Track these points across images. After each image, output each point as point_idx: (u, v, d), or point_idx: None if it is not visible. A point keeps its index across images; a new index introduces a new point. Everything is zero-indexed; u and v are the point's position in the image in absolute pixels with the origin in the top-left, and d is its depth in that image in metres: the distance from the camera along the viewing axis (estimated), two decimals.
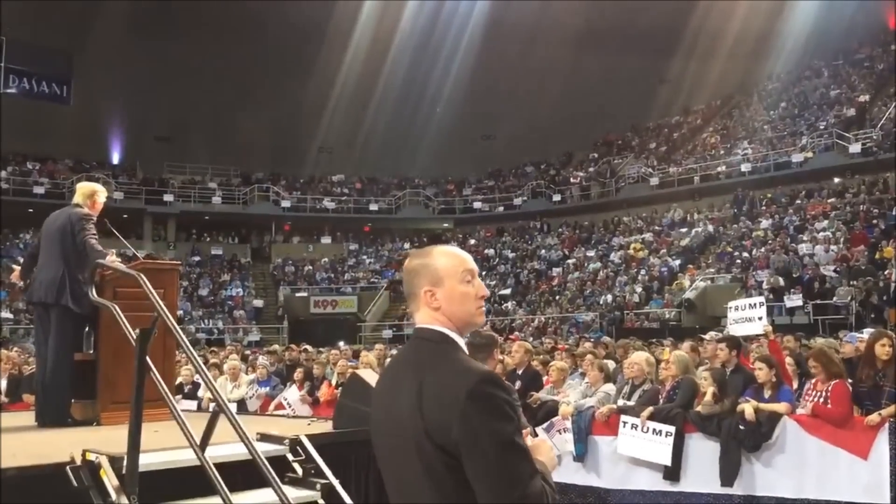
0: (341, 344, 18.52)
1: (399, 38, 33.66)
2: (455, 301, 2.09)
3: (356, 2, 32.50)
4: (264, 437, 4.21)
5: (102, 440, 3.87)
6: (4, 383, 9.77)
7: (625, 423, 7.19)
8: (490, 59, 33.62)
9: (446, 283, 2.08)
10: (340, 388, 7.36)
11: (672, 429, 6.84)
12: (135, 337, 3.51)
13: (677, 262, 25.17)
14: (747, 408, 6.55)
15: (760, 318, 7.94)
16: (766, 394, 6.72)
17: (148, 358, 3.51)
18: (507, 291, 28.45)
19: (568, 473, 7.50)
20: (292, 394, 9.39)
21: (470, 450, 1.85)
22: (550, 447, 2.09)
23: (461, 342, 2.09)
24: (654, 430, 6.94)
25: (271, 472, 3.12)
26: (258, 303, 30.79)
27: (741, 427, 6.58)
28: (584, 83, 33.93)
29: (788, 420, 6.53)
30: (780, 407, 6.57)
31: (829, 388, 6.44)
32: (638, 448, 7.07)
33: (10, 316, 25.16)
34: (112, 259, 5.51)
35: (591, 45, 32.95)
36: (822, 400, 6.45)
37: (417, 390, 1.95)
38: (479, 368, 1.95)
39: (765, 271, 21.46)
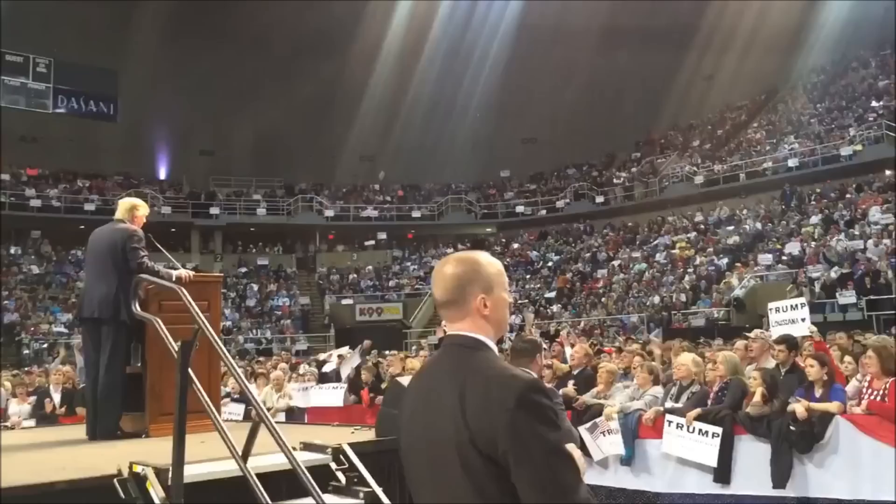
0: (387, 352, 18.52)
1: (432, 42, 33.78)
2: (500, 309, 2.10)
3: (390, 1, 32.70)
4: (307, 447, 4.24)
5: (150, 452, 3.93)
6: (58, 397, 10.02)
7: (670, 422, 7.11)
8: (526, 61, 33.52)
9: (496, 291, 2.09)
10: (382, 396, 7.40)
11: (718, 430, 6.74)
12: (177, 350, 3.57)
13: (724, 260, 24.77)
14: (798, 407, 6.42)
15: (804, 320, 7.80)
16: (818, 392, 6.57)
17: (190, 370, 3.56)
18: (553, 294, 28.29)
19: (616, 477, 7.43)
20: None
21: (519, 458, 1.83)
22: (580, 454, 2.08)
23: (495, 348, 2.09)
24: (700, 430, 6.85)
25: (311, 481, 3.14)
26: (304, 300, 31.22)
27: (792, 428, 6.44)
28: (623, 82, 33.70)
29: (841, 420, 6.38)
30: (832, 406, 6.43)
31: (887, 385, 6.29)
32: (683, 448, 6.98)
33: (66, 331, 25.70)
34: (187, 273, 5.71)
35: (629, 43, 32.67)
36: (879, 397, 6.30)
37: (459, 398, 1.92)
38: (524, 376, 1.94)
39: (815, 267, 21.03)
